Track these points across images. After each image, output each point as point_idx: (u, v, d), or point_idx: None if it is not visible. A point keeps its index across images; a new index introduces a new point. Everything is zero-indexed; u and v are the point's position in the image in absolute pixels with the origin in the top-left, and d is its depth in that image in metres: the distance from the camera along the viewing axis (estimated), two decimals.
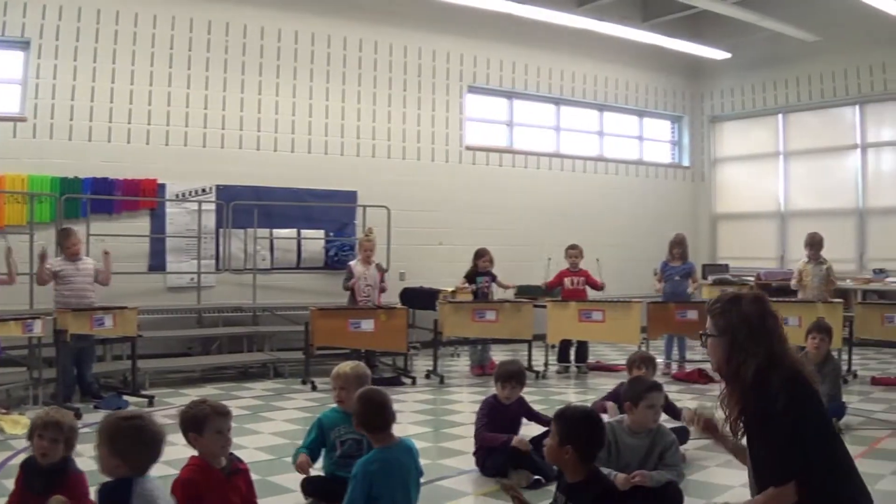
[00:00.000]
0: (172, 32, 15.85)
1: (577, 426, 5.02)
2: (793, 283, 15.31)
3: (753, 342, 4.27)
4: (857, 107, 20.84)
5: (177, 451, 9.05)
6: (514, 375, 8.56)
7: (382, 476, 5.60)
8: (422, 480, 6.18)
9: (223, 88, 16.39)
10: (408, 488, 5.78)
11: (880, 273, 18.96)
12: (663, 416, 7.76)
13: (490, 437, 8.29)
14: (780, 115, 22.39)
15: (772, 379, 4.17)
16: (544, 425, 8.50)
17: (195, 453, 5.42)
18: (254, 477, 5.77)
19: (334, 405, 7.28)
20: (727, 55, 21.20)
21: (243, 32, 16.60)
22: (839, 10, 18.99)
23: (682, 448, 8.18)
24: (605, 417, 7.55)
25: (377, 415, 5.83)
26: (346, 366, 7.21)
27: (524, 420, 8.75)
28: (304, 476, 6.97)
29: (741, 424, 4.35)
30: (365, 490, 5.55)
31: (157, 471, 8.24)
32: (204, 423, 5.30)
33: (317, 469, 7.08)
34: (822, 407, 4.34)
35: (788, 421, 4.10)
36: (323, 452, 7.11)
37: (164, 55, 15.78)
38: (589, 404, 7.95)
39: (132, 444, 4.58)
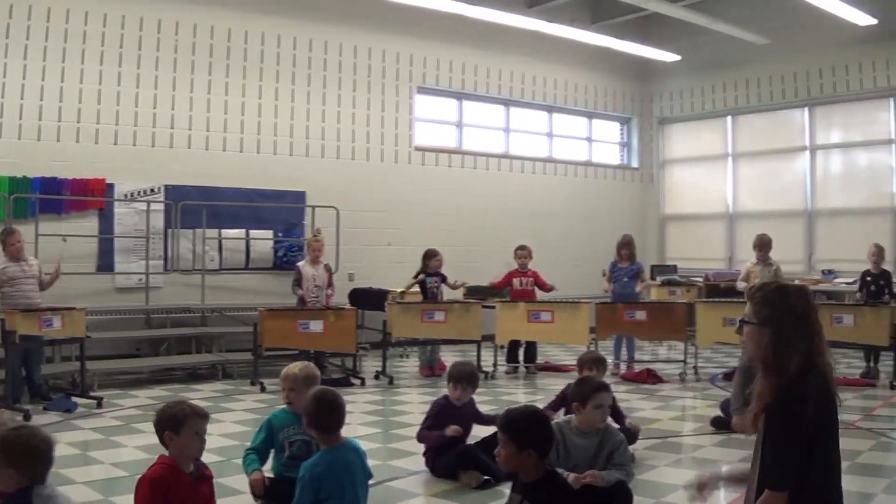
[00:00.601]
0: (122, 31, 15.72)
1: (532, 428, 5.05)
2: (740, 284, 15.41)
3: (798, 335, 4.20)
4: (805, 109, 21.10)
5: (128, 453, 9.08)
6: (466, 377, 8.60)
7: (329, 477, 5.59)
8: (371, 482, 6.18)
9: (172, 87, 16.29)
10: (355, 489, 5.76)
11: (829, 274, 19.16)
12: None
13: (428, 436, 8.38)
14: (728, 118, 22.63)
15: (808, 379, 4.13)
16: (492, 425, 8.55)
17: (149, 455, 5.39)
18: None
19: (284, 406, 7.26)
20: (676, 57, 21.35)
21: (193, 31, 16.51)
22: (789, 14, 19.21)
23: (631, 448, 8.24)
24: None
25: (330, 416, 5.82)
26: (295, 367, 7.19)
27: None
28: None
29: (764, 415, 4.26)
30: (313, 492, 5.54)
31: (103, 472, 8.27)
32: (183, 423, 5.28)
33: (266, 470, 7.08)
34: (837, 414, 4.33)
35: (812, 425, 4.08)
36: (272, 453, 7.10)
37: (114, 54, 15.65)
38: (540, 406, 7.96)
39: (23, 453, 4.58)
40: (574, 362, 10.71)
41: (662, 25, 21.01)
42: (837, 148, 20.80)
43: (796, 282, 17.45)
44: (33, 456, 4.60)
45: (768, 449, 4.16)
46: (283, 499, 6.05)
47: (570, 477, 6.56)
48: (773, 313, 4.28)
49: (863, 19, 17.69)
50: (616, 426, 8.35)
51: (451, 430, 8.16)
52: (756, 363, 4.42)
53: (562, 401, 8.84)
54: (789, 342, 4.18)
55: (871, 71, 19.48)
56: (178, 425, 5.28)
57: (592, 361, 9.22)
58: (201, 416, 5.41)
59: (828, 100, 20.55)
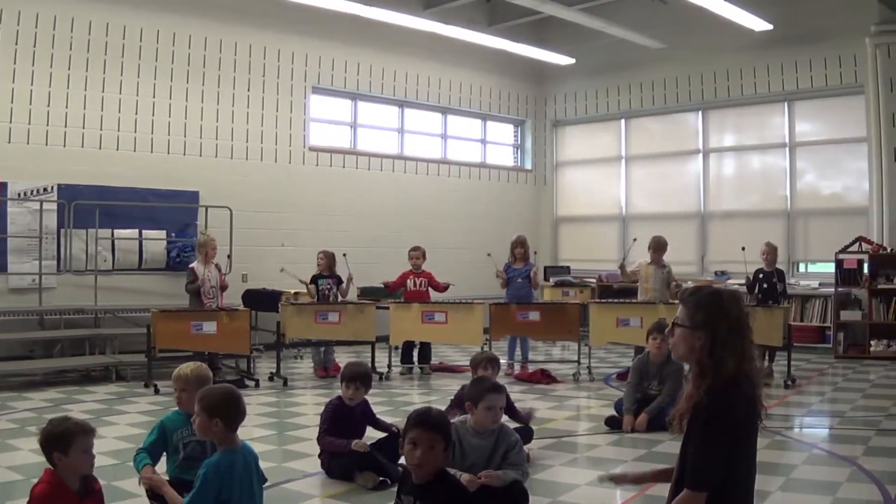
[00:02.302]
0: (18, 28, 15.48)
1: (449, 427, 5.14)
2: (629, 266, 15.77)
3: (733, 339, 4.24)
4: (699, 113, 21.56)
5: (23, 457, 9.00)
6: (358, 376, 8.59)
7: (231, 479, 5.56)
8: (266, 484, 6.18)
9: (66, 85, 16.06)
10: (252, 491, 5.75)
11: (721, 275, 19.43)
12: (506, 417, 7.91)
13: (332, 442, 8.37)
14: (622, 120, 22.96)
15: (739, 382, 4.20)
16: (385, 432, 8.64)
17: (45, 460, 5.32)
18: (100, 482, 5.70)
19: (176, 408, 7.23)
20: (571, 60, 21.60)
21: (88, 28, 16.29)
22: (684, 18, 19.54)
23: (526, 447, 8.34)
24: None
25: (239, 413, 5.78)
26: (186, 368, 7.09)
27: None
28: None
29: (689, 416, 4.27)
30: (214, 491, 5.49)
31: (1, 476, 8.19)
32: (71, 443, 5.20)
33: (161, 473, 7.04)
34: (757, 421, 4.36)
35: (739, 430, 4.15)
36: (165, 456, 7.07)
37: (9, 51, 15.42)
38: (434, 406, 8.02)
39: None
40: (468, 363, 10.80)
41: (557, 28, 21.27)
42: (731, 151, 21.27)
43: (689, 283, 17.76)
44: None
45: (693, 449, 4.21)
46: None
47: (465, 477, 6.63)
48: (707, 318, 4.30)
49: (758, 24, 18.09)
50: (514, 425, 8.47)
51: (358, 446, 8.18)
52: (685, 362, 4.49)
53: (459, 400, 8.91)
54: (725, 346, 4.22)
55: (765, 75, 19.94)
56: (67, 446, 5.20)
57: (486, 361, 9.32)
58: (88, 433, 5.34)
59: (722, 104, 21.02)
